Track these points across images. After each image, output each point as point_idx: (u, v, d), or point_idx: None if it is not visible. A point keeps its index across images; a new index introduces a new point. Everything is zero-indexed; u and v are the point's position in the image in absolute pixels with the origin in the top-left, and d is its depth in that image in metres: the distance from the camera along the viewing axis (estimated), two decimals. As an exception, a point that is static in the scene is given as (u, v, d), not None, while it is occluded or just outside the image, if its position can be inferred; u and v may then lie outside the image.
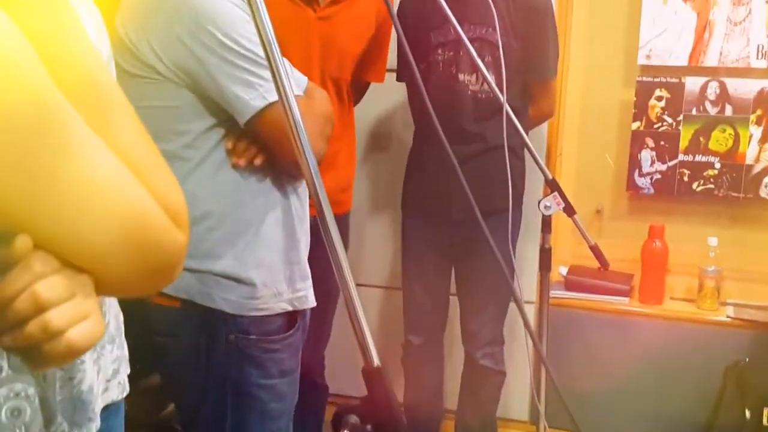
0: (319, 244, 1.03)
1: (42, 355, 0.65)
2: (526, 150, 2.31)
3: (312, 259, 1.68)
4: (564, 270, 3.04)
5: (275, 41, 0.99)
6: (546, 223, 2.23)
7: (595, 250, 2.19)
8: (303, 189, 1.67)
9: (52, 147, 0.63)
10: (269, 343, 1.59)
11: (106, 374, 1.03)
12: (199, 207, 1.50)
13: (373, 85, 2.66)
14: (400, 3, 2.67)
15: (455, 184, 2.56)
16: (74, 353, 0.66)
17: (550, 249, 2.24)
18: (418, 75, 1.79)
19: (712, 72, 2.87)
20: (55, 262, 0.65)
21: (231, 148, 1.51)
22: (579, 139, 3.09)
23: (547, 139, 2.98)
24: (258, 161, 1.52)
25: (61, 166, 0.64)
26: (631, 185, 2.99)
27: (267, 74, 1.38)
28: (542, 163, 2.24)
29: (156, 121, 1.50)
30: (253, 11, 0.98)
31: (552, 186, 2.20)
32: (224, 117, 1.50)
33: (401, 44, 2.68)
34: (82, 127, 0.67)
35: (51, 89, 0.64)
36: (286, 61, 1.79)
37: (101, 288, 0.69)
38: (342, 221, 2.54)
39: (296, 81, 1.70)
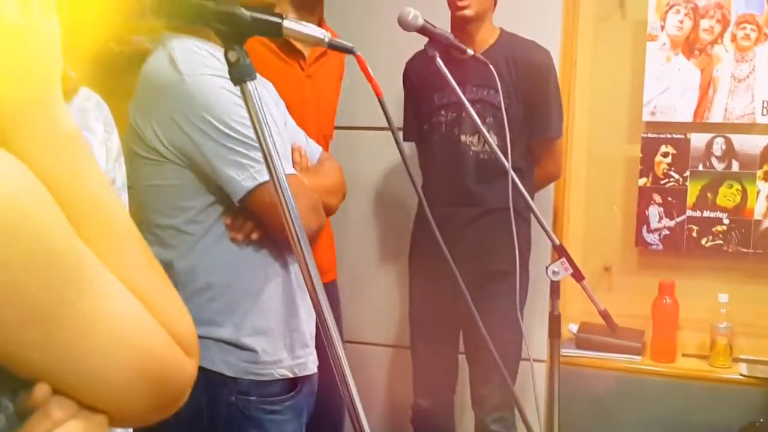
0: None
1: None
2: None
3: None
4: (574, 327, 3.02)
5: (268, 127, 1.01)
6: (554, 290, 2.21)
7: (605, 316, 2.18)
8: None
9: (71, 295, 0.65)
10: (270, 404, 1.65)
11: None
12: (200, 278, 1.60)
13: (379, 141, 2.69)
14: (405, 66, 2.69)
15: (459, 245, 2.58)
16: None
17: (559, 316, 2.22)
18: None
19: (718, 128, 2.87)
20: (72, 406, 0.66)
21: (229, 223, 1.60)
22: (586, 196, 3.08)
23: (554, 195, 2.98)
24: (254, 236, 1.61)
25: (81, 313, 0.66)
26: (640, 241, 2.98)
27: (259, 156, 1.48)
28: (548, 228, 2.23)
29: (162, 198, 1.61)
30: (246, 101, 0.99)
31: (560, 252, 2.19)
32: (222, 195, 1.58)
33: (407, 105, 2.73)
34: (100, 270, 0.68)
35: (69, 236, 0.66)
36: (302, 132, 1.86)
37: (115, 422, 0.71)
38: (330, 288, 2.56)
39: (311, 151, 1.76)
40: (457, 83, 2.15)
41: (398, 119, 2.78)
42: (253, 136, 1.49)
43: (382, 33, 2.65)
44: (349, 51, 1.00)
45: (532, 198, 2.62)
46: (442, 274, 2.61)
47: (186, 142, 1.53)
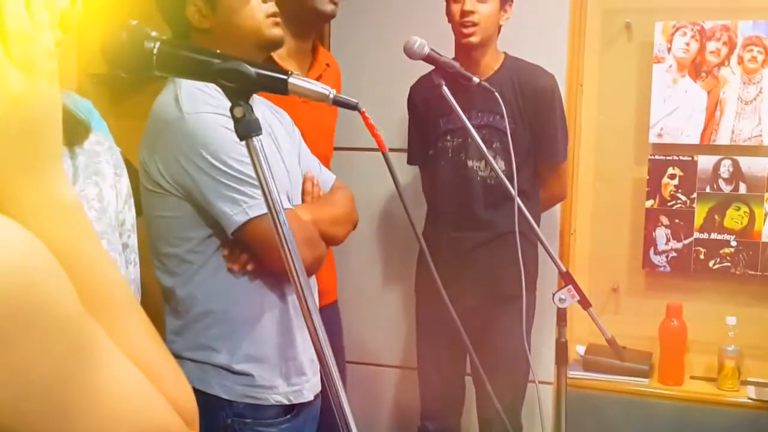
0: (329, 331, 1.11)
1: None
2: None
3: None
4: (581, 349, 3.01)
5: (273, 182, 1.02)
6: (561, 317, 2.21)
7: (612, 343, 2.18)
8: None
9: (76, 368, 0.64)
10: (265, 427, 1.69)
11: None
12: (200, 306, 1.68)
13: (382, 163, 2.70)
14: (410, 90, 2.70)
15: (467, 270, 2.59)
16: None
17: (566, 342, 2.22)
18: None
19: (725, 150, 2.87)
20: None
21: (226, 255, 1.66)
22: (592, 217, 3.08)
23: (561, 217, 2.98)
24: (249, 267, 1.66)
25: (85, 387, 0.65)
26: (647, 263, 2.97)
27: (252, 191, 1.56)
28: (555, 254, 2.23)
29: (166, 228, 1.68)
30: (252, 157, 1.00)
31: (566, 279, 2.19)
32: (219, 227, 1.64)
33: (411, 130, 2.74)
34: (105, 341, 0.68)
35: (75, 306, 0.65)
36: (316, 160, 1.88)
37: None
38: (331, 310, 2.56)
39: (324, 180, 1.79)
40: (463, 108, 2.16)
41: (403, 141, 2.79)
42: (249, 171, 1.54)
43: (389, 52, 2.65)
44: (353, 107, 1.00)
45: (539, 219, 2.63)
46: (448, 298, 2.62)
47: (184, 177, 1.60)
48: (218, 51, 1.03)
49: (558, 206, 2.91)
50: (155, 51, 0.97)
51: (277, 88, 0.99)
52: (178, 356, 1.65)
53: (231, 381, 1.67)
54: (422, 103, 2.65)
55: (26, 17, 0.66)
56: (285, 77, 0.98)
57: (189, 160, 1.58)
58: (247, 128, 0.98)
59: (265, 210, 1.53)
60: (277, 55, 2.37)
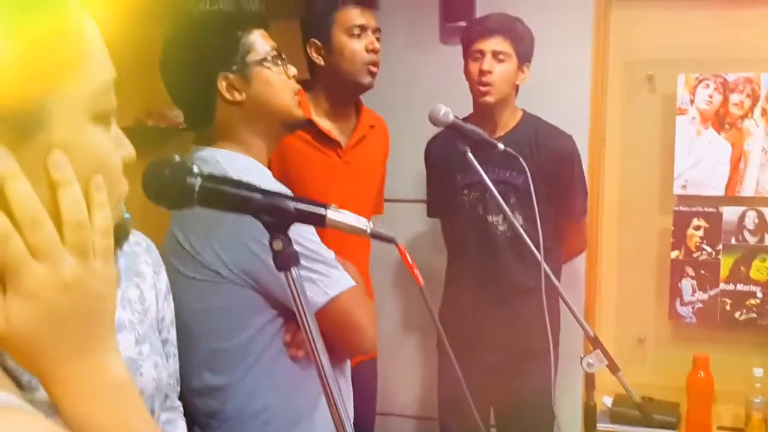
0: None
1: None
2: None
3: None
4: (608, 400, 3.01)
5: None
6: (590, 381, 2.21)
7: (642, 408, 2.18)
8: (348, 370, 1.73)
9: None
10: None
11: None
12: (257, 401, 1.59)
13: (408, 213, 2.74)
14: (427, 146, 2.73)
15: (490, 326, 2.60)
16: None
17: (594, 406, 2.22)
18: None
19: (750, 202, 2.87)
20: None
21: (289, 340, 1.59)
22: (618, 268, 3.09)
23: (586, 267, 2.99)
24: None
25: None
26: (673, 314, 2.97)
27: (327, 270, 1.52)
28: (580, 311, 2.24)
29: (218, 320, 1.60)
30: (291, 288, 1.02)
31: (594, 343, 2.19)
32: (282, 309, 1.57)
33: (429, 184, 2.76)
34: None
35: None
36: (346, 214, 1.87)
37: None
38: (369, 365, 2.57)
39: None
40: (480, 163, 2.18)
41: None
42: (320, 250, 1.52)
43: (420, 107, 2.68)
44: (389, 241, 1.02)
45: (560, 272, 2.64)
46: (471, 353, 2.63)
47: (254, 261, 1.51)
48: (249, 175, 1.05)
49: (583, 256, 2.92)
50: (197, 188, 1.00)
51: (316, 222, 1.02)
52: None
53: None
54: (439, 159, 2.68)
55: (82, 203, 0.67)
56: (323, 212, 1.00)
57: (260, 244, 1.47)
58: (286, 261, 1.01)
59: (346, 286, 1.54)
60: (320, 120, 2.40)
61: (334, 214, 1.00)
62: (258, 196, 1.01)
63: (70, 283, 0.66)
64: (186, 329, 1.56)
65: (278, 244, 1.00)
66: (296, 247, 1.46)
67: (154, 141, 3.61)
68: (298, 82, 2.48)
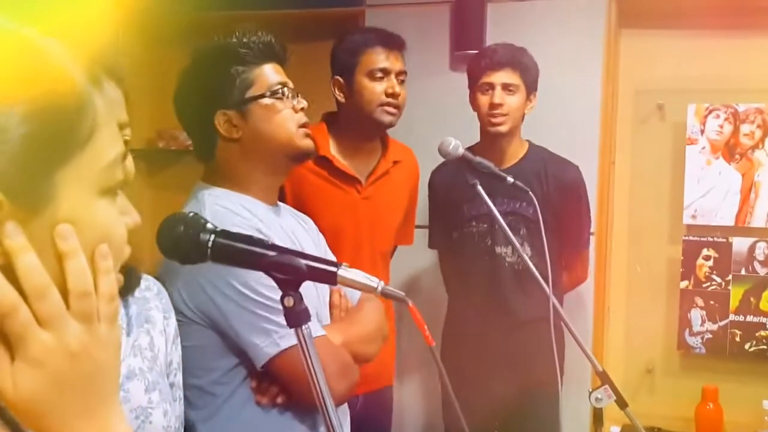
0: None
1: None
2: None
3: None
4: (616, 430, 3.00)
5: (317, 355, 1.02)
6: (598, 416, 2.21)
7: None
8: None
9: None
10: None
11: None
12: None
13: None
14: (431, 175, 2.72)
15: (496, 357, 2.59)
16: None
17: (602, 442, 2.21)
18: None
19: (760, 233, 2.86)
20: None
21: (254, 387, 1.58)
22: (627, 297, 3.08)
23: (594, 296, 2.98)
24: (280, 400, 1.58)
25: None
26: (682, 344, 2.96)
27: (283, 320, 1.44)
28: (589, 349, 2.24)
29: (188, 359, 1.53)
30: (301, 345, 1.02)
31: (603, 378, 2.18)
32: (247, 357, 1.56)
33: (432, 215, 2.76)
34: None
35: None
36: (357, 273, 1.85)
37: None
38: (384, 394, 2.56)
39: (352, 291, 1.73)
40: (488, 194, 2.18)
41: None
42: (278, 298, 1.49)
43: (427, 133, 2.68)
44: (401, 300, 1.02)
45: (562, 301, 2.63)
46: (475, 381, 2.63)
47: (210, 305, 1.53)
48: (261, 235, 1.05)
49: (591, 285, 2.91)
50: (210, 244, 1.00)
51: (328, 280, 1.02)
52: None
53: None
54: (443, 189, 2.67)
55: (87, 273, 0.68)
56: (335, 270, 1.01)
57: (215, 288, 1.51)
58: (297, 318, 1.01)
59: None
60: (337, 156, 2.39)
61: (345, 272, 1.00)
62: (271, 253, 1.01)
63: (75, 350, 0.67)
64: None
65: (289, 301, 1.01)
66: (254, 296, 1.48)
67: (165, 163, 3.65)
68: (325, 114, 2.50)
